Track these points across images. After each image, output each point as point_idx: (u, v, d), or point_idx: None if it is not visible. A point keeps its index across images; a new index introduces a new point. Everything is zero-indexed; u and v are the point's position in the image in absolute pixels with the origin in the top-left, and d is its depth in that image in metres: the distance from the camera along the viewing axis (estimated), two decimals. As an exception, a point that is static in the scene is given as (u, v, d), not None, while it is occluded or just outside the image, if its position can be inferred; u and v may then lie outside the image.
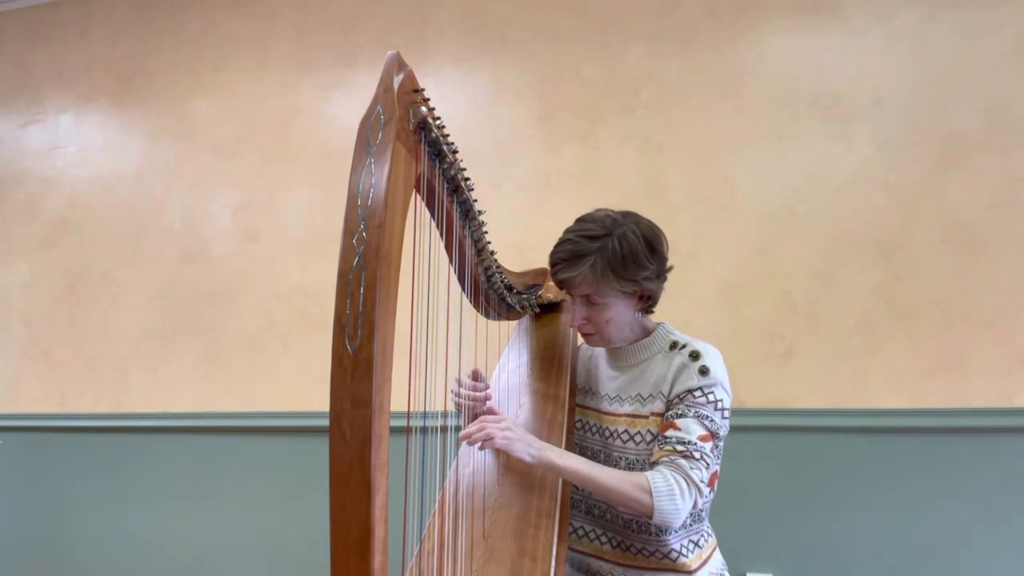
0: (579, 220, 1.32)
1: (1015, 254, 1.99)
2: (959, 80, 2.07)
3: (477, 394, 1.31)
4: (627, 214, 1.31)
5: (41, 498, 2.81)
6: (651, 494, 1.14)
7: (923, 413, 2.00)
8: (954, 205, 2.04)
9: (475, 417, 1.26)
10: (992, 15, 2.05)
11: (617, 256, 1.24)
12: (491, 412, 1.29)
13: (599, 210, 1.32)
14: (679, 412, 1.23)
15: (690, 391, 1.24)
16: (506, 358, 1.57)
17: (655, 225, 1.31)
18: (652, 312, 1.39)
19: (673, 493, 1.15)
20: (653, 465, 1.20)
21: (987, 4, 2.06)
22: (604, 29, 2.37)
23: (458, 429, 1.40)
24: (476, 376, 1.33)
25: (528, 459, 1.15)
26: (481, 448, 1.17)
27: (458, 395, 1.32)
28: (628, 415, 1.32)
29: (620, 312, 1.30)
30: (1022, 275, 1.99)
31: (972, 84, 2.06)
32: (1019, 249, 1.99)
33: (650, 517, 1.16)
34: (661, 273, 1.31)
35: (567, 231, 1.30)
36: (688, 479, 1.17)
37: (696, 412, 1.22)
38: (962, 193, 2.04)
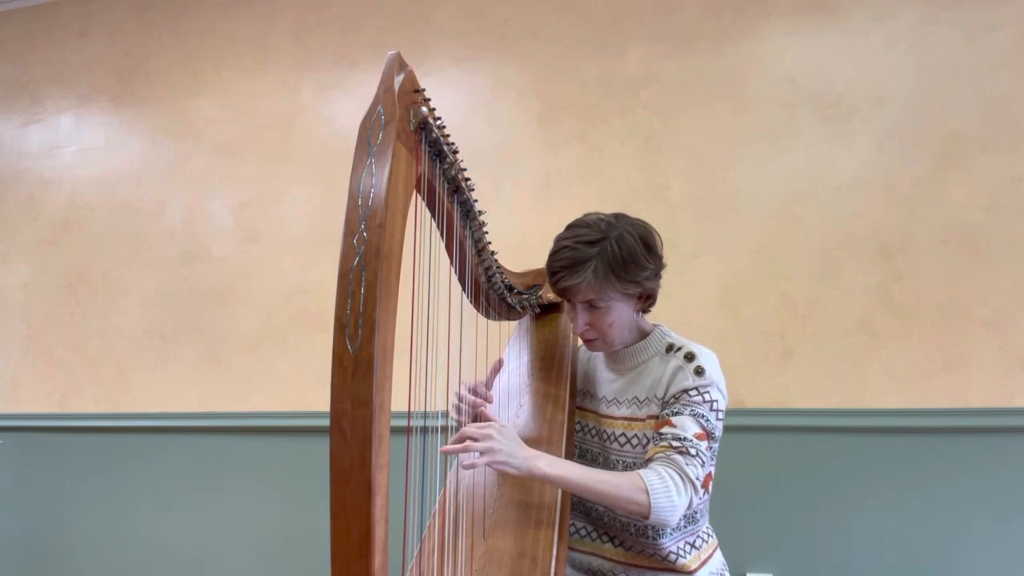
0: (571, 227, 1.29)
1: (1015, 254, 1.99)
2: (959, 80, 2.07)
3: (477, 401, 1.30)
4: (618, 216, 1.30)
5: (41, 498, 2.81)
6: (648, 493, 1.12)
7: (923, 413, 2.00)
8: (954, 205, 2.04)
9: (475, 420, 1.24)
10: (992, 15, 2.05)
11: (617, 258, 1.23)
12: (483, 417, 1.27)
13: (589, 215, 1.31)
14: (675, 411, 1.23)
15: (686, 391, 1.24)
16: (506, 358, 1.57)
17: (647, 224, 1.31)
18: (650, 311, 1.39)
19: (669, 490, 1.13)
20: (648, 462, 1.19)
21: (987, 4, 2.06)
22: (604, 29, 2.37)
23: (459, 429, 1.40)
24: (475, 391, 1.30)
25: (513, 472, 1.08)
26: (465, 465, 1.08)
27: (461, 401, 1.30)
28: (625, 418, 1.32)
29: (622, 314, 1.30)
30: (1022, 275, 1.98)
31: (972, 84, 2.05)
32: (1019, 249, 1.99)
33: (646, 518, 1.13)
34: (659, 271, 1.31)
35: (561, 239, 1.28)
36: (683, 475, 1.15)
37: (692, 411, 1.22)
38: (962, 193, 2.04)
